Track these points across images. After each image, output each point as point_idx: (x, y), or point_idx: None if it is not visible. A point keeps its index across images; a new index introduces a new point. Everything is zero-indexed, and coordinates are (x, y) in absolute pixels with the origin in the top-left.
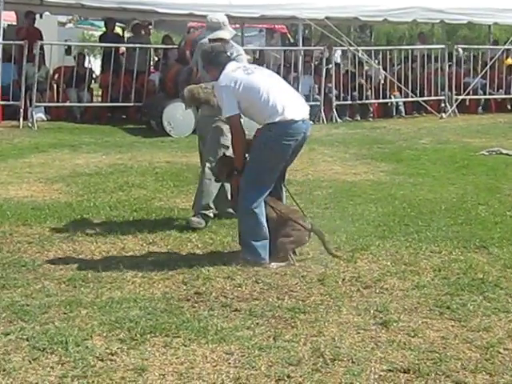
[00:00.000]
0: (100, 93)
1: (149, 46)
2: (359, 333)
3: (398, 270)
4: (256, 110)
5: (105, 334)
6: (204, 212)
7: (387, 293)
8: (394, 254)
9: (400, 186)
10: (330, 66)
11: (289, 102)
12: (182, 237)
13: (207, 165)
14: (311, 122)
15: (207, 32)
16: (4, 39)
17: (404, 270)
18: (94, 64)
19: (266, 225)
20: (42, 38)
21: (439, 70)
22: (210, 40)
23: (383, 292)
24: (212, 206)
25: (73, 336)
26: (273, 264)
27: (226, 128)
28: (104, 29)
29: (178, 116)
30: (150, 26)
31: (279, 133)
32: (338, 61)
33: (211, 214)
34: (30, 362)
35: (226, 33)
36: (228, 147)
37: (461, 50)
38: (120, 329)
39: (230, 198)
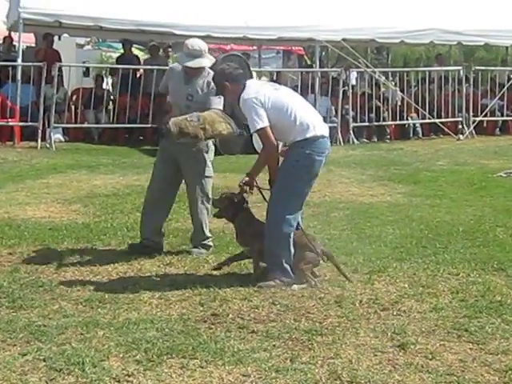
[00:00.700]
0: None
1: (166, 67)
2: (376, 355)
3: (416, 292)
4: (284, 127)
5: (121, 355)
6: (204, 242)
7: (405, 315)
8: (411, 276)
9: (417, 208)
10: (347, 87)
11: (315, 119)
12: (199, 258)
13: (199, 198)
14: None
15: (185, 58)
16: (23, 61)
17: (422, 292)
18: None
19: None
20: (60, 60)
21: (456, 91)
22: (190, 68)
23: (401, 314)
24: (209, 234)
25: (90, 357)
26: (294, 286)
27: (207, 157)
28: (122, 50)
29: None
30: (170, 49)
31: (311, 149)
32: (354, 82)
33: (211, 243)
34: (46, 382)
35: (207, 60)
36: (211, 177)
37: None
38: (137, 350)
39: (235, 236)
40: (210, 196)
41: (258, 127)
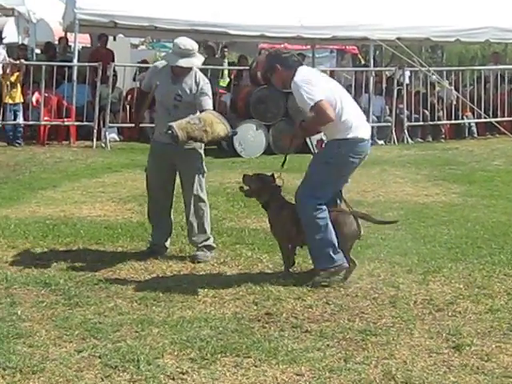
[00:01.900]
0: None
1: (221, 67)
2: (431, 356)
3: (471, 293)
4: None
5: (176, 353)
6: (207, 243)
7: (460, 316)
8: (466, 277)
9: (473, 208)
10: (401, 86)
11: (360, 120)
12: (253, 257)
13: (199, 196)
14: (382, 143)
15: (176, 57)
16: (78, 61)
17: (477, 293)
18: None
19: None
20: (113, 60)
21: None
22: (181, 67)
23: (456, 315)
24: (211, 235)
25: (144, 354)
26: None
27: (202, 154)
28: None
29: (249, 137)
30: (226, 49)
31: (348, 150)
32: (407, 81)
33: (214, 244)
34: (102, 379)
35: (197, 60)
36: (205, 172)
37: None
38: (191, 348)
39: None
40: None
41: (316, 99)
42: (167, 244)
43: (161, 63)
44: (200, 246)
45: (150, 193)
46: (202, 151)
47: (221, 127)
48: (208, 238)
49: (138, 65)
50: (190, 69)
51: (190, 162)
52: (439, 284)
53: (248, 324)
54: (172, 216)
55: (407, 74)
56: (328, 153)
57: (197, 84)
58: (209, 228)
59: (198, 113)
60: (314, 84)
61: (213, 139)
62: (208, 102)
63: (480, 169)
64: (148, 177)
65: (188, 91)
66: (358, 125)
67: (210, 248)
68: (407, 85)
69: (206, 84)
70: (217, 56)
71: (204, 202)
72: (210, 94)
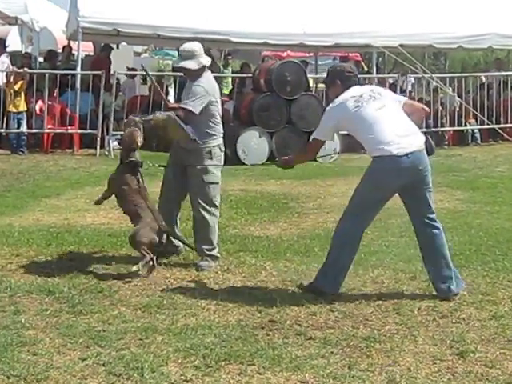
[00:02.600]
0: None
1: (223, 75)
2: (435, 363)
3: (475, 300)
4: (361, 140)
5: (180, 361)
6: (211, 253)
7: (464, 323)
8: (470, 284)
9: (476, 215)
10: (404, 93)
11: (393, 136)
12: (257, 264)
13: (200, 205)
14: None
15: (177, 59)
16: (82, 69)
17: (481, 299)
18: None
19: (346, 258)
20: (109, 68)
21: None
22: (181, 68)
23: (460, 322)
24: (216, 245)
25: (148, 362)
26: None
27: (210, 162)
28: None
29: (253, 144)
30: (229, 57)
31: (381, 167)
32: (410, 88)
33: (218, 254)
34: None
35: (193, 62)
36: (217, 183)
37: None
38: (195, 355)
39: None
40: (217, 203)
41: (315, 136)
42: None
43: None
44: (204, 255)
45: (163, 188)
46: (212, 161)
47: (179, 134)
48: (213, 248)
49: (140, 73)
50: (197, 71)
51: (194, 170)
52: None
53: (252, 331)
54: (177, 213)
55: (411, 80)
56: (368, 170)
57: (190, 85)
58: (215, 238)
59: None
60: (326, 119)
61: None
62: (188, 101)
63: (483, 175)
64: (164, 173)
65: (185, 93)
66: (389, 141)
67: (214, 258)
68: (410, 92)
69: (195, 87)
70: (219, 64)
71: (207, 211)
72: (192, 95)
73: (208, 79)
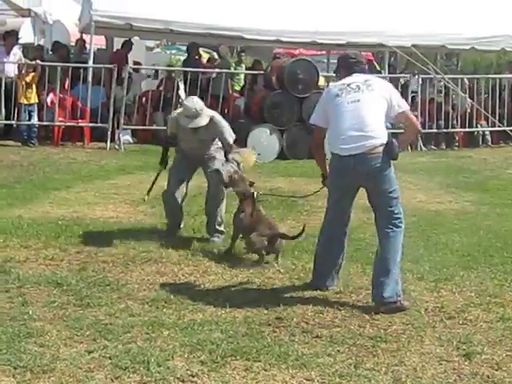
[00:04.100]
0: None
1: (234, 71)
2: (441, 364)
3: (483, 302)
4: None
5: (186, 356)
6: (221, 229)
7: (471, 324)
8: (478, 285)
9: (485, 216)
10: (416, 94)
11: (346, 135)
12: (264, 261)
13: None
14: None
15: (186, 120)
16: (94, 63)
17: (488, 301)
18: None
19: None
20: (127, 62)
21: None
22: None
23: (467, 323)
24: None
25: (154, 356)
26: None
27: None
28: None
29: (263, 141)
30: (243, 53)
31: (332, 165)
32: (415, 88)
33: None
34: (112, 380)
35: (204, 118)
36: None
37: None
38: (201, 351)
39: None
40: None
41: (310, 121)
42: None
43: (177, 116)
44: (215, 231)
45: (170, 177)
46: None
47: (251, 156)
48: (222, 223)
49: (153, 67)
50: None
51: (214, 177)
52: (450, 292)
53: (258, 328)
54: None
55: (418, 81)
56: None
57: (214, 129)
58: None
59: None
60: (318, 103)
61: (249, 167)
62: (229, 134)
63: (493, 177)
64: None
65: (207, 135)
66: (338, 140)
67: (222, 233)
68: (415, 92)
69: (219, 122)
70: (229, 60)
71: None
72: (226, 127)
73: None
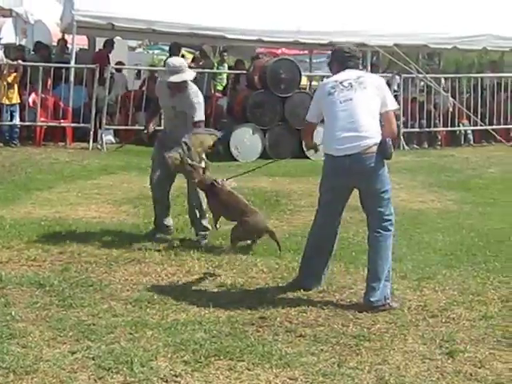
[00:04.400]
0: None
1: (217, 71)
2: (424, 362)
3: (465, 300)
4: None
5: (169, 356)
6: (205, 224)
7: (454, 322)
8: (461, 284)
9: (468, 215)
10: (398, 92)
11: (339, 135)
12: (248, 261)
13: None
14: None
15: (169, 75)
16: (76, 63)
17: (471, 299)
18: None
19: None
20: (109, 62)
21: (509, 98)
22: (174, 82)
23: (450, 322)
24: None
25: (138, 356)
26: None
27: None
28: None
29: (245, 141)
30: (225, 53)
31: (325, 165)
32: (395, 88)
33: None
34: (95, 380)
35: (188, 74)
36: None
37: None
38: (185, 351)
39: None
40: None
41: (306, 118)
42: (166, 222)
43: (161, 81)
44: (202, 230)
45: (153, 176)
46: None
47: (208, 139)
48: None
49: (135, 67)
50: (185, 83)
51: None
52: (433, 290)
53: (242, 328)
54: (170, 198)
55: (397, 80)
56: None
57: (188, 96)
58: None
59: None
60: (313, 100)
61: (207, 151)
62: (197, 113)
63: (475, 176)
64: (153, 164)
65: (181, 103)
66: (332, 140)
67: (206, 229)
68: (396, 91)
69: (195, 97)
70: (214, 60)
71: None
72: (199, 105)
73: (194, 86)
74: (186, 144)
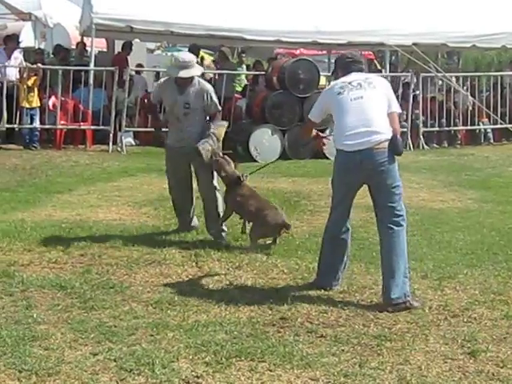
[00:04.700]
0: None
1: (235, 72)
2: (446, 362)
3: (487, 299)
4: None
5: (191, 357)
6: (222, 227)
7: (475, 322)
8: (482, 283)
9: (488, 214)
10: (418, 92)
11: (351, 131)
12: (268, 262)
13: (215, 185)
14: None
15: (177, 70)
16: (95, 65)
17: (493, 299)
18: None
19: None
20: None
21: None
22: (182, 78)
23: (471, 321)
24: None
25: (159, 358)
26: None
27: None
28: None
29: (265, 141)
30: (243, 54)
31: (337, 160)
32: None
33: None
34: (117, 382)
35: (197, 70)
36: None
37: None
38: (206, 352)
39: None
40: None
41: (308, 116)
42: (193, 223)
43: (165, 79)
44: (214, 232)
45: (172, 191)
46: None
47: (223, 131)
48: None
49: (154, 69)
50: (192, 78)
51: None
52: (454, 290)
53: (263, 328)
54: (194, 202)
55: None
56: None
57: (198, 92)
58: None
59: (208, 119)
60: (317, 101)
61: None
62: (216, 106)
63: (496, 175)
64: (168, 178)
65: (194, 99)
66: (345, 136)
67: (223, 231)
68: (415, 91)
69: (210, 88)
70: (233, 61)
71: (218, 189)
72: (215, 96)
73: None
74: (215, 135)
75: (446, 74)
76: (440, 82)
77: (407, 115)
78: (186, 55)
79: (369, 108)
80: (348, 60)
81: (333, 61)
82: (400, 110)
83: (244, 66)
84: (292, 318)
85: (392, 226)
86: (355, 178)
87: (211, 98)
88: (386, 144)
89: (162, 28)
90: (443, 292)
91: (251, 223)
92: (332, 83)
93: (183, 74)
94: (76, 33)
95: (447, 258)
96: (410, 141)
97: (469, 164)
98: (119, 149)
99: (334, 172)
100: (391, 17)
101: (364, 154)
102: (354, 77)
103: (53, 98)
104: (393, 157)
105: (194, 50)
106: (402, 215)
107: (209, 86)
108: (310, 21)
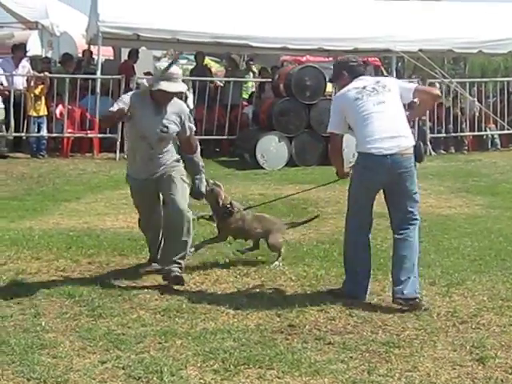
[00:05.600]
0: None
1: (242, 79)
2: (455, 369)
3: (495, 306)
4: (354, 134)
5: (199, 365)
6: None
7: (484, 328)
8: (490, 289)
9: (496, 220)
10: None
11: (378, 136)
12: (276, 269)
13: (189, 212)
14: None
15: (162, 82)
16: (102, 74)
17: (501, 305)
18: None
19: (354, 255)
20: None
21: None
22: (167, 92)
23: (480, 327)
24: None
25: (168, 366)
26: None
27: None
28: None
29: (272, 149)
30: (251, 62)
31: (361, 163)
32: None
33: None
34: None
35: (184, 86)
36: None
37: None
38: (214, 359)
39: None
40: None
41: (328, 130)
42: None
43: (135, 92)
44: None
45: (141, 217)
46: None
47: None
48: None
49: None
50: (175, 95)
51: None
52: (463, 296)
53: (271, 336)
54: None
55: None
56: (354, 165)
57: (180, 111)
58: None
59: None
60: (333, 110)
61: None
62: (192, 128)
63: (503, 180)
64: (135, 205)
65: (172, 122)
66: (371, 139)
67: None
68: None
69: (187, 109)
70: (241, 68)
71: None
72: (192, 118)
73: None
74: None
75: (453, 80)
76: (446, 88)
77: (414, 121)
78: (176, 68)
79: (393, 113)
80: (353, 64)
81: None
82: (414, 85)
83: (251, 74)
84: (300, 325)
85: (408, 227)
86: (380, 180)
87: (189, 119)
88: (412, 150)
89: (168, 36)
90: (451, 298)
91: (264, 238)
92: (342, 91)
93: (171, 87)
94: (83, 41)
95: (455, 264)
96: None
97: (476, 170)
98: (126, 157)
99: (355, 175)
100: (397, 23)
101: (393, 158)
102: (364, 82)
103: (60, 107)
104: (415, 163)
105: (200, 57)
106: (417, 218)
107: (185, 107)
108: (316, 28)
